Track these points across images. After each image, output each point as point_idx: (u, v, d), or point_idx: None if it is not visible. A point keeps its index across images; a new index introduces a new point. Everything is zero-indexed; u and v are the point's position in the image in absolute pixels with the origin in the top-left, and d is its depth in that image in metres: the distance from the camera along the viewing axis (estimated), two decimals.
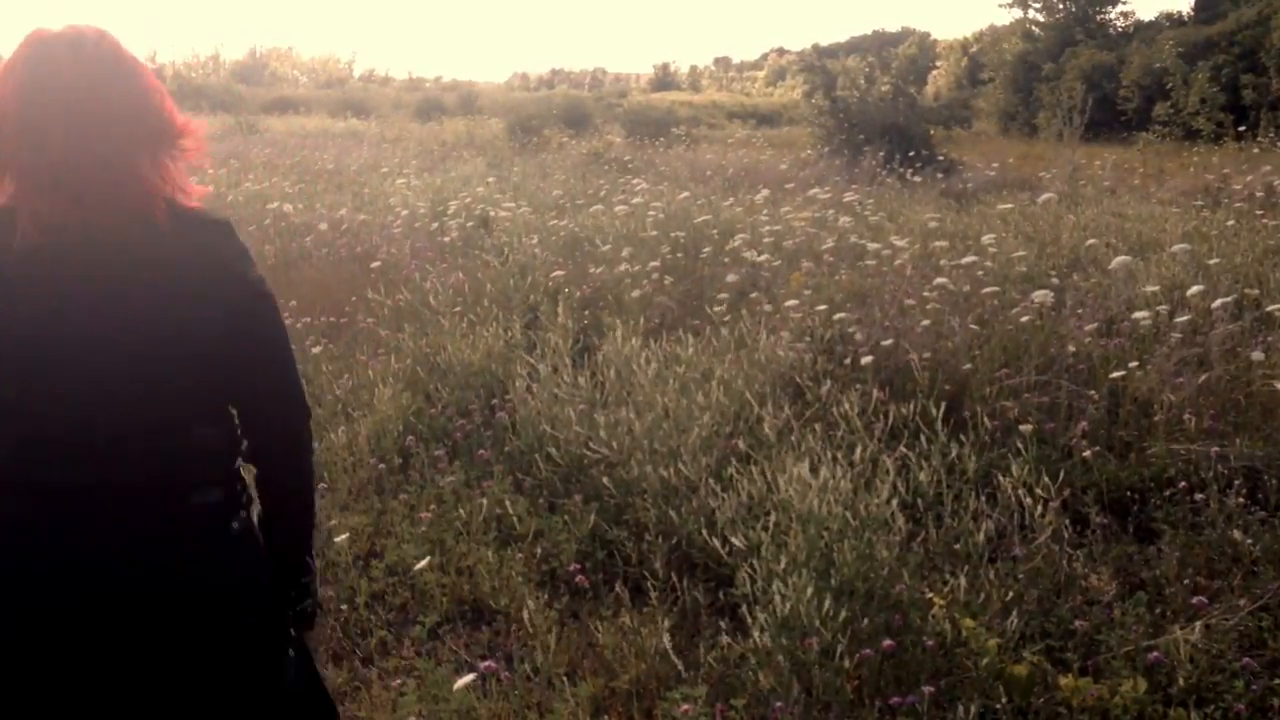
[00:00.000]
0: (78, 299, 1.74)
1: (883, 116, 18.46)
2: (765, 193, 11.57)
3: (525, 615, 3.57)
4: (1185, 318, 5.66)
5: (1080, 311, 6.08)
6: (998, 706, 3.10)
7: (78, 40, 1.77)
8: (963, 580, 3.46)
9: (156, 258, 1.79)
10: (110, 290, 1.76)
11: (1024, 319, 5.81)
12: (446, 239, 9.43)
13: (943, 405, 4.36)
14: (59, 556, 1.74)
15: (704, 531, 3.87)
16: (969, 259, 7.04)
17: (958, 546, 3.80)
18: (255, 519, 1.99)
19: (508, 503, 4.42)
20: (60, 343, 1.74)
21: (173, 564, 1.80)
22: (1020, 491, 3.91)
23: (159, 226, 1.79)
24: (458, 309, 6.58)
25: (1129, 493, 4.50)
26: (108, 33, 1.82)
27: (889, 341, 5.62)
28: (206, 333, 1.82)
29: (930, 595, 3.43)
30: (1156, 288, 6.35)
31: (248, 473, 2.00)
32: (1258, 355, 5.25)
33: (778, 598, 3.26)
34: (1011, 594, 3.51)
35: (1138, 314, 5.71)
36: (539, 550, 4.22)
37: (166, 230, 1.79)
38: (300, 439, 2.01)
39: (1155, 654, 3.23)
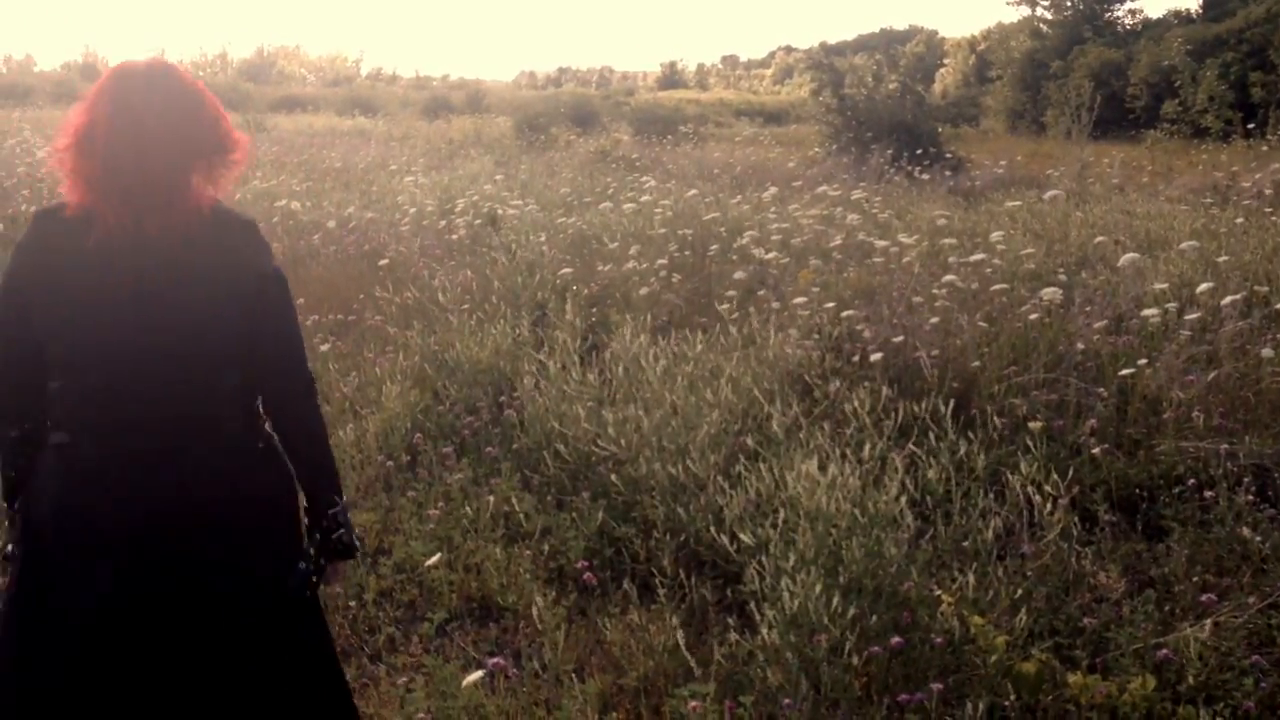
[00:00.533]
0: (132, 286, 2.19)
1: (890, 114, 18.44)
2: (773, 190, 11.57)
3: (533, 612, 3.57)
4: (1194, 315, 5.65)
5: (1089, 309, 6.06)
6: (1006, 704, 3.10)
7: (150, 76, 2.23)
8: (971, 578, 3.46)
9: (193, 254, 2.24)
10: (156, 279, 2.21)
11: (1032, 316, 5.80)
12: (454, 237, 9.44)
13: (951, 403, 4.35)
14: (128, 479, 2.21)
15: (712, 529, 3.87)
16: (977, 256, 7.03)
17: (966, 544, 3.80)
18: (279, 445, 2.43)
19: (515, 500, 4.42)
20: (119, 318, 2.19)
21: (211, 475, 2.26)
22: (1029, 489, 3.90)
23: (198, 229, 2.25)
24: (466, 306, 6.59)
25: (1138, 490, 4.49)
26: (175, 66, 2.30)
27: (898, 339, 5.62)
28: (231, 309, 2.27)
29: (939, 593, 3.43)
30: (1165, 285, 6.35)
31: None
32: (1267, 352, 5.24)
33: (786, 595, 3.26)
34: (1020, 591, 3.51)
35: (1146, 311, 5.70)
36: (547, 547, 4.22)
37: (204, 231, 2.26)
38: (304, 397, 2.44)
39: (1164, 651, 3.23)
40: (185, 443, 2.25)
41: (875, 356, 5.32)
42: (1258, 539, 3.93)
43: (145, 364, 2.21)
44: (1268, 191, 12.17)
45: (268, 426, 2.40)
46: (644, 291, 6.93)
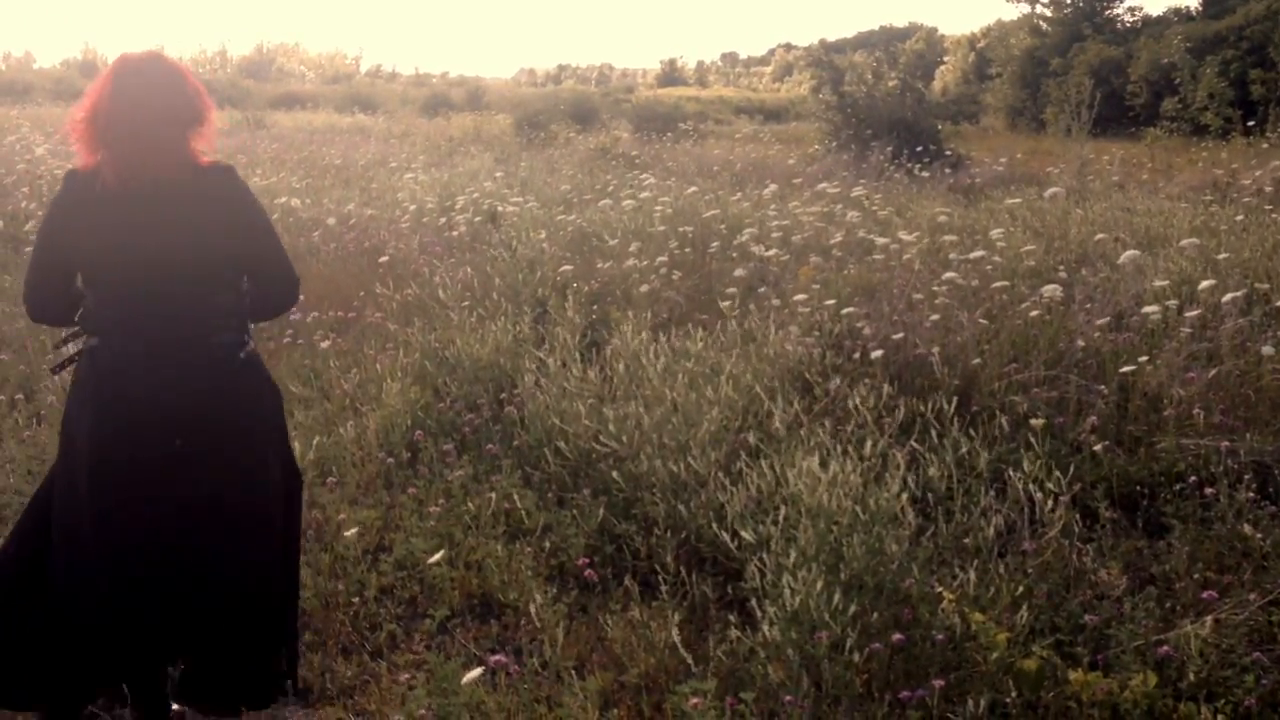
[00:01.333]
0: (143, 220, 2.85)
1: (890, 112, 18.42)
2: (773, 188, 11.56)
3: (534, 609, 3.57)
4: (1195, 312, 5.65)
5: (1089, 306, 6.07)
6: (1007, 701, 3.10)
7: (142, 64, 2.90)
8: (972, 575, 3.46)
9: (189, 194, 2.89)
10: (162, 214, 2.86)
11: (1033, 314, 5.80)
12: (454, 234, 9.44)
13: (954, 400, 4.35)
14: (138, 374, 2.86)
15: (713, 525, 3.87)
16: (977, 254, 7.02)
17: (967, 541, 3.80)
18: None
19: (516, 497, 4.42)
20: (133, 246, 2.85)
21: (205, 379, 2.91)
22: (1030, 486, 3.90)
23: (190, 176, 2.90)
24: (466, 304, 6.59)
25: (1139, 487, 4.49)
26: (163, 55, 2.97)
27: (898, 336, 5.61)
28: (222, 235, 2.91)
29: (940, 590, 3.43)
30: (1165, 282, 6.34)
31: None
32: (1268, 350, 5.24)
33: (787, 592, 3.27)
34: (1021, 588, 3.51)
35: (1147, 309, 5.70)
36: (548, 544, 4.22)
37: (194, 177, 2.91)
38: (287, 299, 3.12)
39: (1165, 648, 3.23)
40: (185, 346, 2.89)
41: (876, 354, 5.32)
42: (1258, 536, 3.93)
43: (154, 282, 2.85)
44: (1268, 189, 12.17)
45: (251, 342, 3.02)
46: (644, 289, 6.93)
